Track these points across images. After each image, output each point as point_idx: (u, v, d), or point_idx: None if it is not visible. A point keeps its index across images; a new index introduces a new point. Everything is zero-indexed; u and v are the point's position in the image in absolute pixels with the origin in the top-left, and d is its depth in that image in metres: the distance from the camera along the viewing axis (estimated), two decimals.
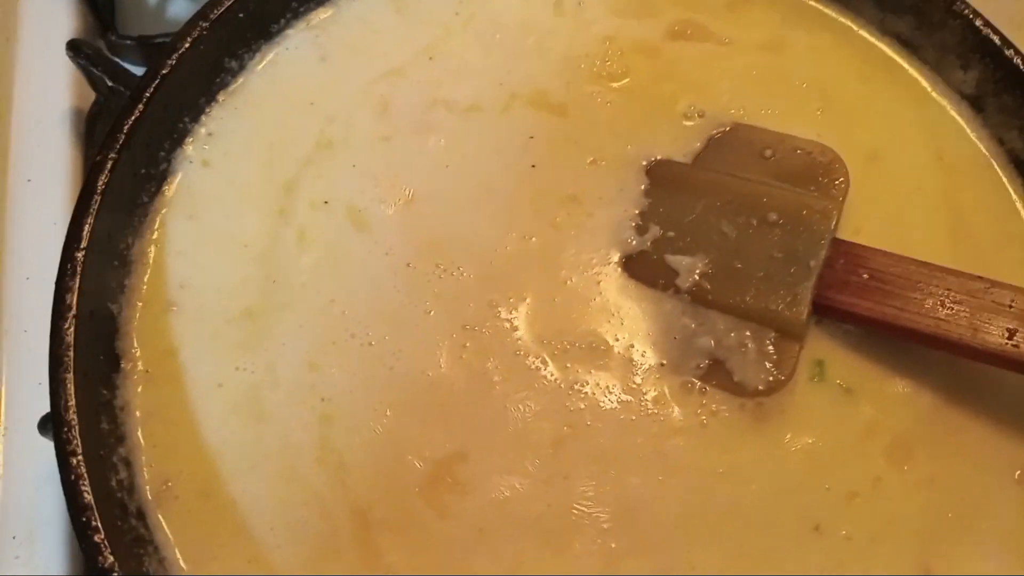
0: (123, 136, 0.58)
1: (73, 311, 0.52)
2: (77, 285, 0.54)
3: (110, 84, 0.75)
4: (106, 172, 0.57)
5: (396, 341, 0.58)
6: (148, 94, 0.59)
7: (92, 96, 0.82)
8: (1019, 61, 0.65)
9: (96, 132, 0.82)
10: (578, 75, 0.68)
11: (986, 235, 0.65)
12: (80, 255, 0.54)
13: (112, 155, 0.58)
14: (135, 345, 0.57)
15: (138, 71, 0.78)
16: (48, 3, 0.86)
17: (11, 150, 0.81)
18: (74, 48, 0.76)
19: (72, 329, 0.53)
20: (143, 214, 0.61)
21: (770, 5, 0.72)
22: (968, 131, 0.68)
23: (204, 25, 0.62)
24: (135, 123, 0.58)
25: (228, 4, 0.63)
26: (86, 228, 0.55)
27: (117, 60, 0.78)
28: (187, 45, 0.61)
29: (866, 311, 0.58)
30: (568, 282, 0.61)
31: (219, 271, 0.60)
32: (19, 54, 0.85)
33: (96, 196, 0.56)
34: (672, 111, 0.67)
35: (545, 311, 0.60)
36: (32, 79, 0.84)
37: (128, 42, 0.84)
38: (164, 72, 0.60)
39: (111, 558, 0.48)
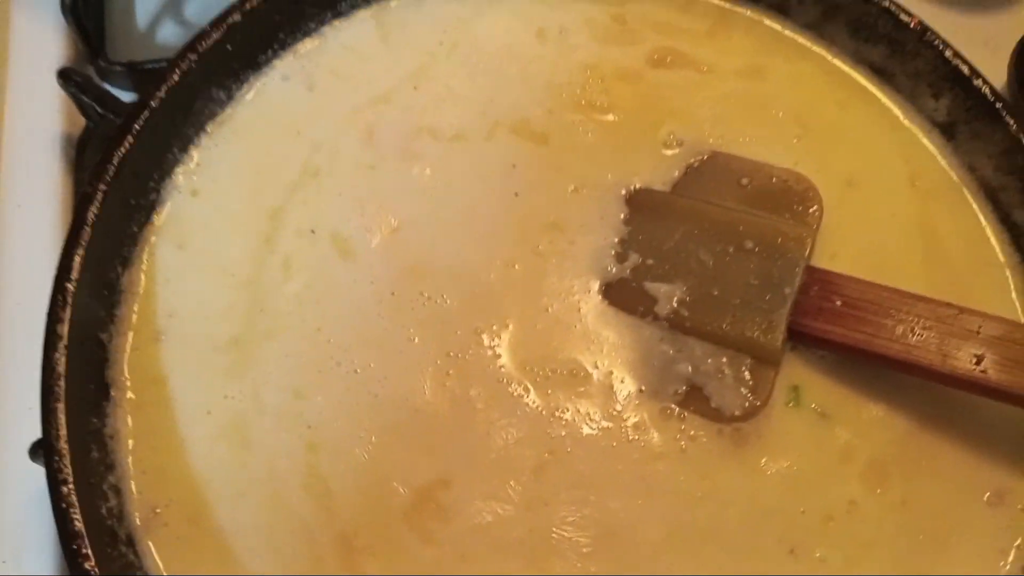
0: (113, 167, 0.59)
1: (64, 341, 0.53)
2: (68, 316, 0.55)
3: (100, 111, 0.76)
4: (96, 203, 0.58)
5: (381, 368, 0.59)
6: (137, 126, 0.60)
7: (82, 122, 0.83)
8: (987, 90, 0.67)
9: (86, 158, 0.83)
10: (560, 103, 0.69)
11: (959, 260, 0.67)
12: (71, 286, 0.56)
13: (102, 187, 0.59)
14: (125, 374, 0.59)
15: (127, 96, 0.79)
16: (39, 30, 0.86)
17: (2, 176, 0.82)
18: (64, 76, 0.77)
19: (63, 359, 0.54)
20: (132, 244, 0.62)
21: (748, 33, 0.74)
22: (940, 158, 0.70)
23: (193, 57, 0.63)
24: (125, 155, 0.60)
25: (216, 36, 0.64)
26: (76, 259, 0.56)
27: (106, 87, 0.79)
28: (176, 77, 0.63)
29: (839, 337, 0.60)
30: (549, 309, 0.62)
31: (207, 299, 0.61)
32: (10, 80, 0.85)
33: (86, 228, 0.57)
34: (652, 139, 0.68)
35: (527, 338, 0.61)
36: (23, 105, 0.85)
37: (118, 68, 0.85)
38: (153, 104, 0.61)
39: None
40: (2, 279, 0.77)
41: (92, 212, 0.58)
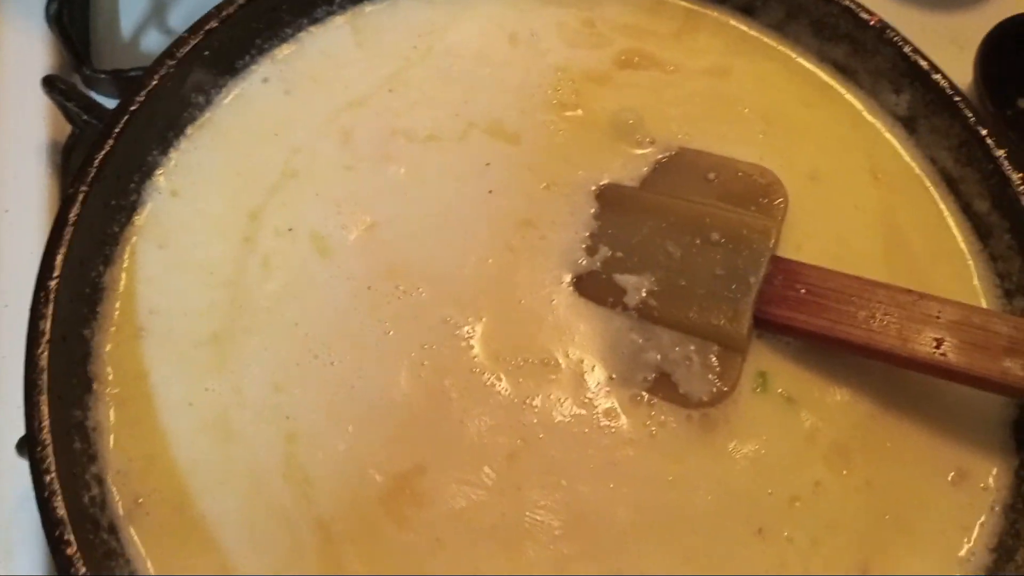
0: (94, 170, 0.61)
1: (47, 337, 0.55)
2: (51, 312, 0.56)
3: (85, 118, 0.78)
4: (78, 205, 0.60)
5: (357, 361, 0.61)
6: (117, 129, 0.62)
7: (68, 129, 0.85)
8: (946, 84, 0.69)
9: (72, 163, 0.85)
10: (532, 104, 0.71)
11: (921, 250, 0.69)
12: (53, 284, 0.57)
13: (83, 188, 0.61)
14: (107, 368, 0.60)
15: (112, 104, 0.81)
16: (24, 38, 0.89)
17: None
18: (49, 84, 0.79)
19: (46, 354, 0.55)
20: (114, 243, 0.64)
21: (714, 34, 0.76)
22: (902, 151, 0.72)
23: (171, 63, 0.65)
24: (105, 157, 0.61)
25: (194, 43, 0.66)
26: (59, 259, 0.58)
27: (91, 94, 0.81)
28: (155, 82, 0.64)
29: (803, 324, 0.61)
30: (522, 301, 0.64)
31: (187, 297, 0.63)
32: None
33: (68, 228, 0.59)
34: (621, 138, 0.70)
35: (499, 330, 0.62)
36: (9, 112, 0.87)
37: (102, 76, 0.87)
38: (133, 108, 0.63)
39: (83, 569, 0.50)
40: None
41: (74, 213, 0.59)
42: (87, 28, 0.92)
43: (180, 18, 0.96)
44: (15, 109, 0.87)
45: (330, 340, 0.62)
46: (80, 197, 0.60)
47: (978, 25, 0.94)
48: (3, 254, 0.79)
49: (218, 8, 0.68)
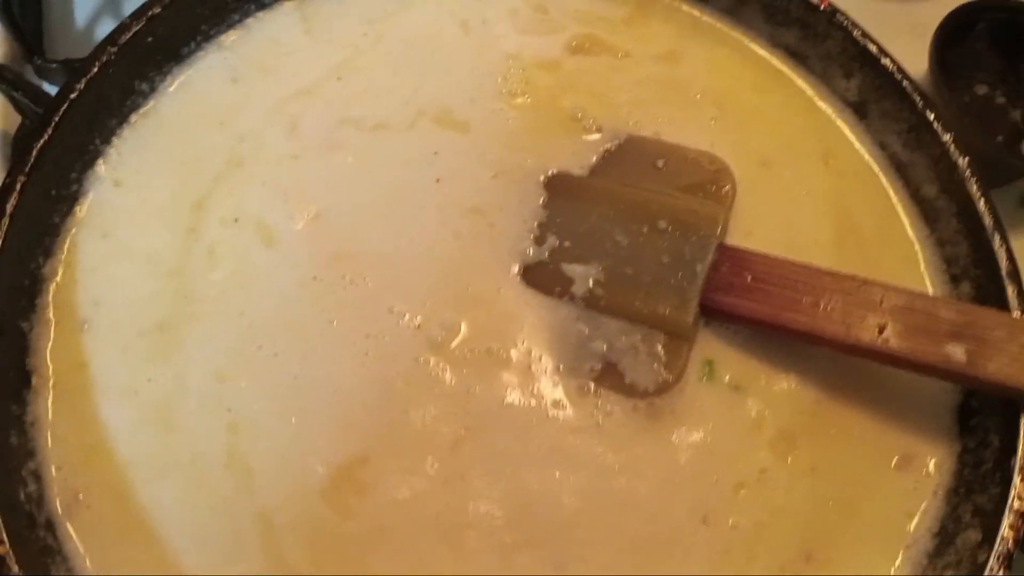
0: (32, 159, 0.60)
1: None
2: None
3: (34, 108, 0.77)
4: (15, 194, 0.59)
5: (301, 351, 0.61)
6: (56, 118, 0.61)
7: (18, 119, 0.83)
8: (895, 69, 0.69)
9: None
10: (482, 92, 0.71)
11: (870, 236, 0.69)
12: None
13: (21, 178, 0.60)
14: (47, 362, 0.59)
15: None
16: None
17: None
18: None
19: None
20: (54, 234, 0.63)
21: (666, 20, 0.75)
22: (852, 137, 0.72)
23: (112, 50, 0.64)
24: (44, 146, 0.61)
25: (136, 28, 0.65)
26: None
27: (39, 85, 0.79)
28: (96, 69, 0.64)
29: (749, 311, 0.61)
30: (469, 290, 0.64)
31: (131, 287, 0.62)
32: None
33: (5, 218, 0.58)
34: (571, 125, 0.70)
35: (446, 319, 0.62)
36: None
37: (54, 66, 0.85)
38: (72, 96, 0.62)
39: (16, 568, 0.50)
40: None
41: (11, 203, 0.59)
42: (40, 18, 0.91)
43: (136, 6, 0.95)
44: None
45: (274, 330, 0.61)
46: (18, 187, 0.59)
47: (935, 13, 0.94)
48: None
49: None
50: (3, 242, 0.58)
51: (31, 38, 0.88)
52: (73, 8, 0.94)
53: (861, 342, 0.59)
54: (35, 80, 0.83)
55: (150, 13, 0.66)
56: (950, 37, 0.87)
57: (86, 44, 0.92)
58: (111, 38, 0.64)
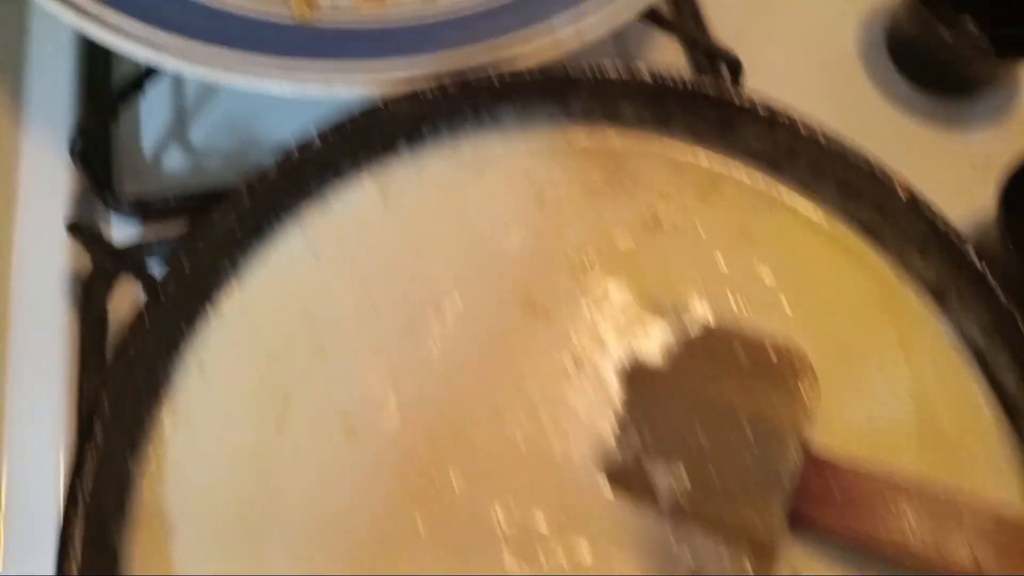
0: (125, 361, 0.61)
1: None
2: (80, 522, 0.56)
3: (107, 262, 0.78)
4: (105, 403, 0.59)
5: (386, 562, 0.60)
6: (147, 321, 0.62)
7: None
8: (975, 260, 0.68)
9: (94, 298, 0.84)
10: (558, 273, 0.71)
11: (952, 429, 0.68)
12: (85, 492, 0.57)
13: (115, 379, 0.60)
14: (133, 568, 0.60)
15: (133, 231, 0.83)
16: (47, 172, 0.88)
17: (10, 316, 0.83)
18: (73, 230, 0.79)
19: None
20: (141, 430, 0.63)
21: (740, 193, 0.75)
22: (930, 322, 0.71)
23: (200, 246, 0.65)
24: (138, 346, 0.61)
25: (221, 220, 0.66)
26: (88, 461, 0.58)
27: (110, 240, 0.80)
28: (186, 266, 0.64)
29: (836, 526, 0.61)
30: (546, 488, 0.63)
31: (214, 483, 0.62)
32: (17, 220, 0.87)
33: (97, 426, 0.59)
34: (646, 308, 0.70)
35: (528, 519, 0.62)
36: (30, 244, 0.86)
37: (126, 207, 0.87)
38: (162, 299, 0.63)
39: None
40: (11, 424, 0.78)
41: (104, 404, 0.59)
42: (109, 154, 0.92)
43: (203, 133, 0.95)
44: (36, 240, 0.86)
45: (360, 541, 0.61)
46: (110, 389, 0.60)
47: (997, 148, 0.94)
48: (21, 392, 0.78)
49: (249, 178, 0.68)
50: (96, 450, 0.58)
51: (101, 174, 0.89)
52: (141, 139, 0.95)
53: (952, 564, 0.59)
54: (106, 229, 0.84)
55: (236, 201, 0.66)
56: (1013, 186, 0.86)
57: (155, 177, 0.93)
58: (195, 232, 0.65)
